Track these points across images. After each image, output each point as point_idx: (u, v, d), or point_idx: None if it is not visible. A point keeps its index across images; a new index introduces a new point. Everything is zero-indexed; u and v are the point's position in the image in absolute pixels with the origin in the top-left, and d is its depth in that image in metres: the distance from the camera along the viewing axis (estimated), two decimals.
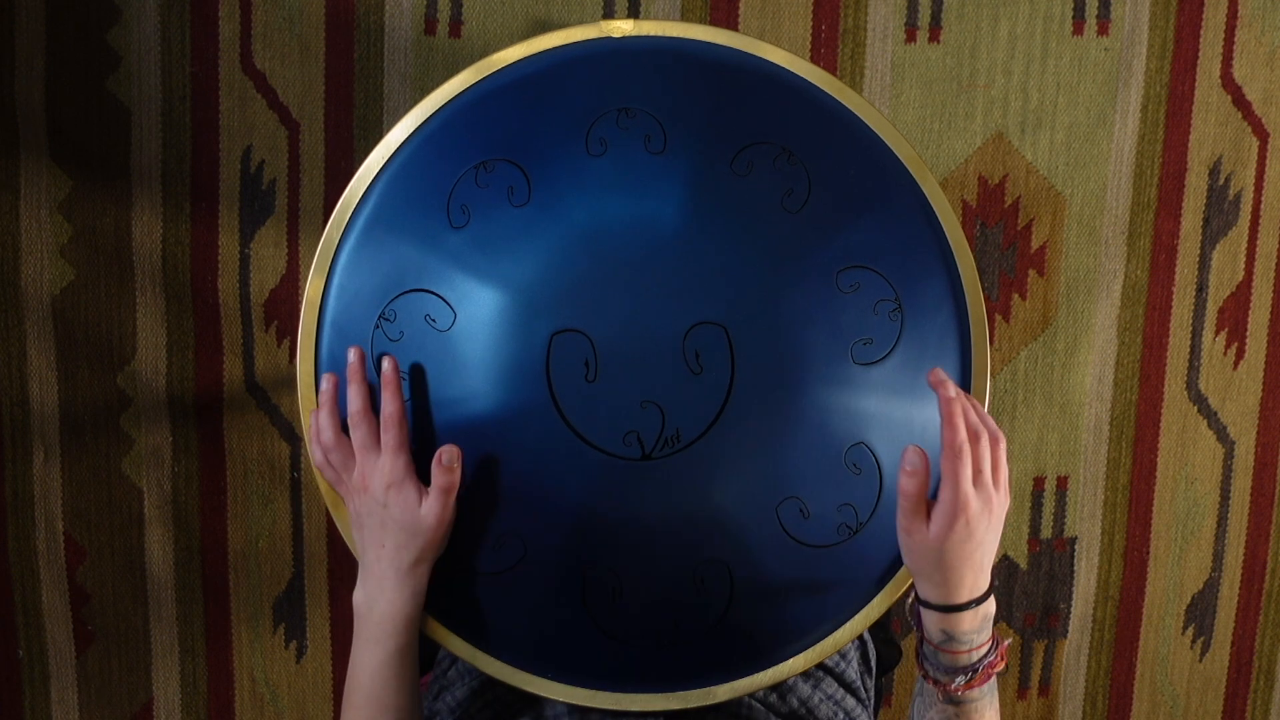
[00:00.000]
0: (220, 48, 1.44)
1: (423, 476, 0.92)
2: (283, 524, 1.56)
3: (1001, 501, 0.90)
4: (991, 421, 0.91)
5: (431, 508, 0.91)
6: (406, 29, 1.45)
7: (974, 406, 0.92)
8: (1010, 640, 0.99)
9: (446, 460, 0.91)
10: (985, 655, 0.91)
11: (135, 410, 1.51)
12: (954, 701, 0.92)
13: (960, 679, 0.91)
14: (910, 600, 0.97)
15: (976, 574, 0.89)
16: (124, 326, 1.49)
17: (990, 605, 0.91)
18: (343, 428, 0.94)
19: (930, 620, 0.91)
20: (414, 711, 0.95)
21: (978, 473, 0.88)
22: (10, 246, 1.45)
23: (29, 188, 1.45)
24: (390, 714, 0.94)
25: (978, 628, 0.91)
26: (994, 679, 0.93)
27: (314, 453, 0.94)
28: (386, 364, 0.93)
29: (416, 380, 0.94)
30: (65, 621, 1.55)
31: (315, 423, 0.94)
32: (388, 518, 0.91)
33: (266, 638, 1.59)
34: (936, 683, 0.92)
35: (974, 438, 0.88)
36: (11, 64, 1.41)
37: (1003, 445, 0.90)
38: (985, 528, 0.88)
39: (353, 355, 0.93)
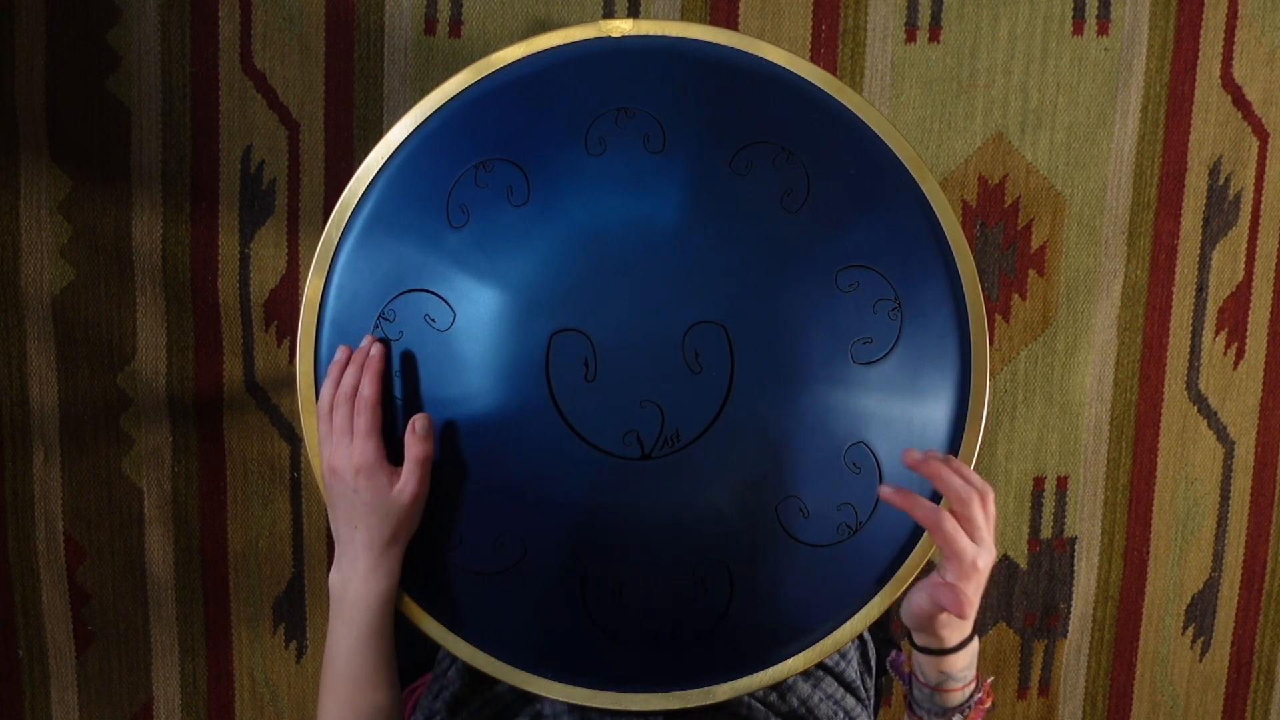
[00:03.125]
0: (220, 48, 1.44)
1: (395, 459, 0.93)
2: (283, 524, 1.56)
3: (993, 551, 0.92)
4: (976, 478, 0.90)
5: (406, 485, 0.91)
6: (406, 29, 1.45)
7: (957, 468, 0.91)
8: (993, 678, 1.02)
9: (421, 429, 0.92)
10: (974, 692, 0.95)
11: (135, 410, 1.51)
12: None
13: (957, 717, 0.94)
14: (891, 657, 1.01)
15: (971, 620, 0.93)
16: (124, 326, 1.49)
17: (976, 644, 0.95)
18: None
19: (927, 666, 0.94)
20: (391, 692, 0.95)
21: (975, 528, 0.88)
22: (10, 246, 1.46)
23: (29, 188, 1.45)
24: (366, 692, 0.94)
25: (969, 664, 0.94)
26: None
27: (320, 425, 0.95)
28: (374, 348, 0.93)
29: (408, 370, 0.94)
30: (65, 621, 1.55)
31: (323, 388, 0.95)
32: (358, 501, 0.92)
33: (266, 638, 1.59)
34: None
35: (970, 501, 0.88)
36: (11, 64, 1.41)
37: (990, 497, 0.90)
38: (979, 585, 0.90)
39: (364, 341, 0.94)
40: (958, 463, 0.92)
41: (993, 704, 0.97)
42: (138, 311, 1.49)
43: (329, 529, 1.56)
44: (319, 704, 0.96)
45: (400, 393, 0.94)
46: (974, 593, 0.89)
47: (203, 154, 1.46)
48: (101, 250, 1.47)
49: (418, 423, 0.92)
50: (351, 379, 0.93)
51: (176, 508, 1.54)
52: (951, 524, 0.87)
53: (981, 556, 0.89)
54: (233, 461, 1.54)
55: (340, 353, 0.94)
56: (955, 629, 0.92)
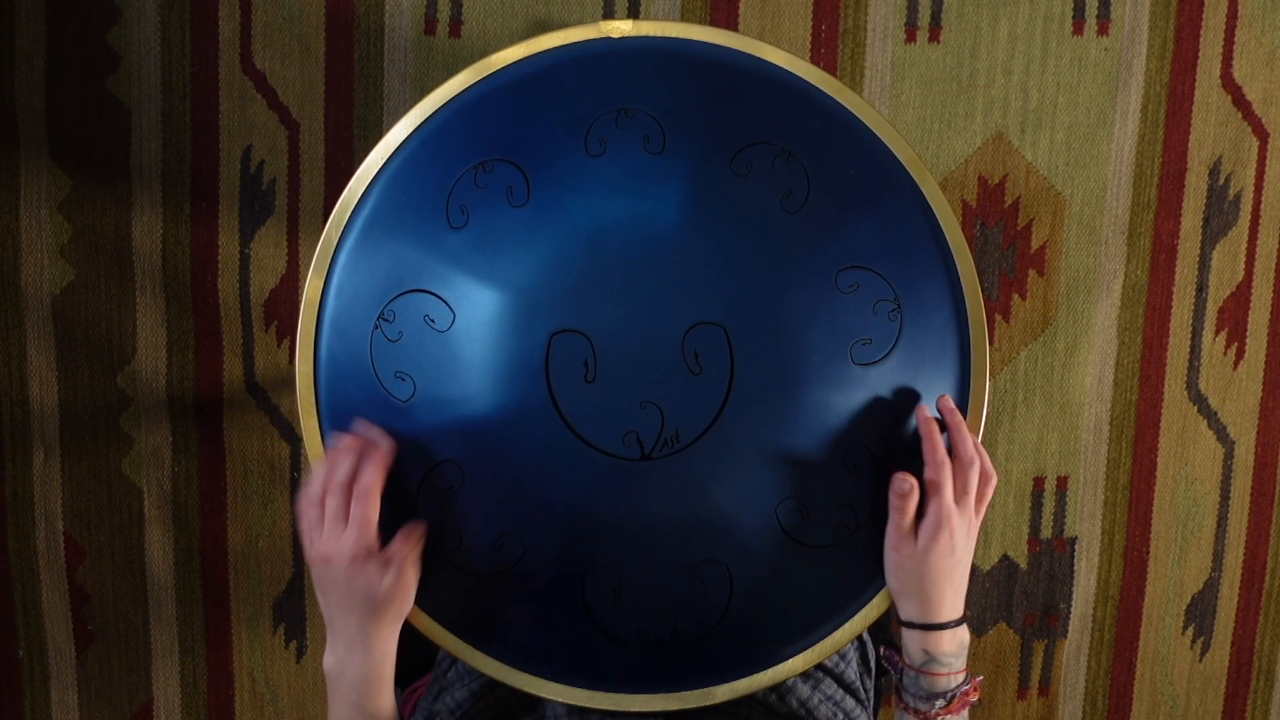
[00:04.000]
0: (220, 48, 1.44)
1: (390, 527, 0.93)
2: (283, 524, 1.56)
3: (978, 523, 0.95)
4: (987, 459, 0.95)
5: (390, 581, 0.91)
6: (406, 29, 1.45)
7: (972, 440, 0.95)
8: (983, 676, 1.04)
9: (414, 537, 0.92)
10: (961, 684, 0.95)
11: (135, 410, 1.51)
12: None
13: (940, 703, 0.94)
14: (884, 653, 1.01)
15: (955, 593, 0.94)
16: (124, 326, 1.49)
17: (965, 633, 0.96)
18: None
19: (912, 642, 0.95)
20: None
21: (963, 493, 0.93)
22: (10, 246, 1.46)
23: (29, 188, 1.45)
24: None
25: (956, 651, 0.95)
26: (965, 713, 0.97)
27: (300, 499, 0.94)
28: (385, 442, 0.93)
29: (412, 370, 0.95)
30: (65, 621, 1.55)
31: (313, 473, 0.93)
32: (352, 591, 0.91)
33: (266, 638, 1.59)
34: (916, 711, 0.96)
35: (965, 464, 0.93)
36: (11, 64, 1.41)
37: (992, 483, 0.95)
38: (965, 547, 0.94)
39: (357, 426, 0.94)
40: (973, 436, 0.96)
41: (979, 700, 0.98)
42: (138, 311, 1.49)
43: None
44: None
45: (401, 395, 0.94)
46: (965, 558, 0.94)
47: (203, 154, 1.46)
48: (101, 250, 1.47)
49: (413, 532, 0.92)
50: (347, 468, 0.91)
51: (176, 508, 1.54)
52: (949, 474, 0.93)
53: (975, 525, 0.94)
54: (233, 461, 1.54)
55: (340, 440, 0.93)
56: (923, 603, 0.93)
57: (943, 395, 0.96)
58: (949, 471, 0.93)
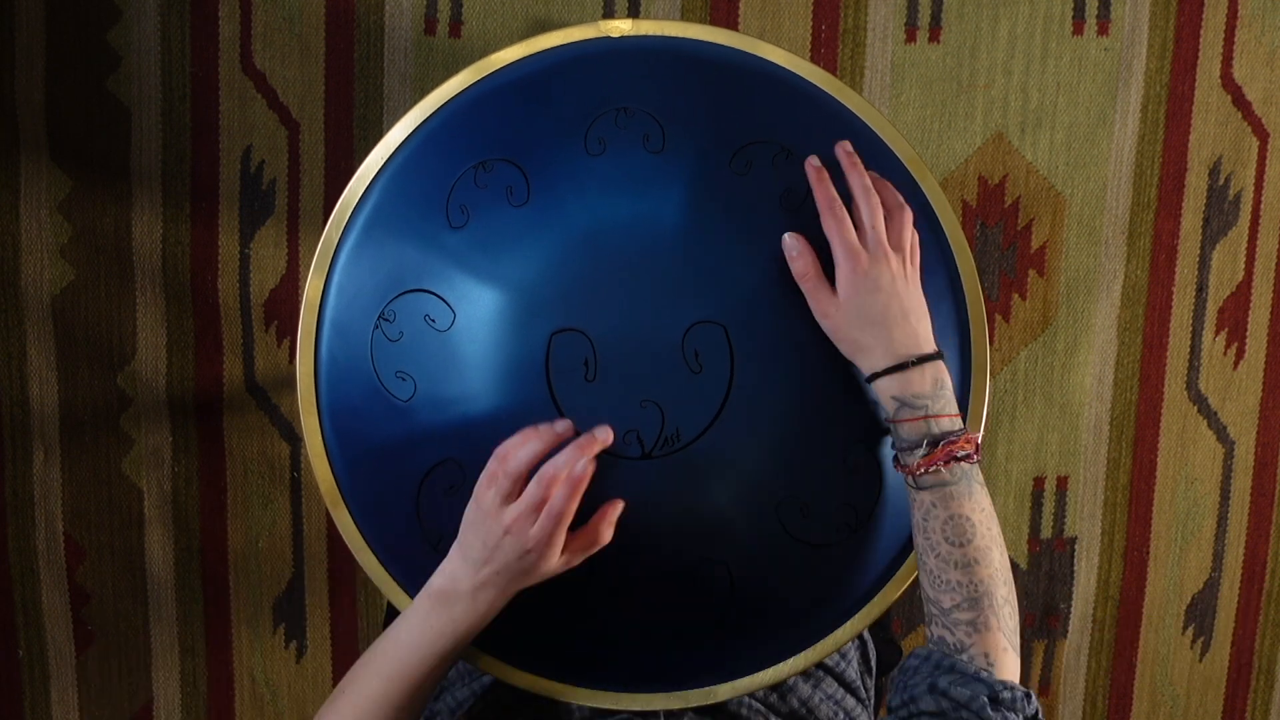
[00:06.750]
0: (220, 48, 1.44)
1: None
2: (283, 524, 1.56)
3: (904, 260, 0.92)
4: (896, 194, 0.94)
5: (563, 564, 0.90)
6: (406, 29, 1.45)
7: (873, 177, 0.94)
8: (981, 433, 0.97)
9: (608, 536, 0.91)
10: (948, 431, 0.89)
11: (135, 410, 1.51)
12: (924, 487, 0.89)
13: (920, 452, 0.89)
14: (894, 457, 0.94)
15: (907, 332, 0.90)
16: (124, 326, 1.49)
17: (943, 372, 0.91)
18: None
19: (882, 391, 0.90)
20: (421, 710, 0.94)
21: (861, 228, 0.91)
22: (10, 246, 1.46)
23: (29, 188, 1.45)
24: (410, 699, 0.91)
25: (929, 391, 0.90)
26: (971, 471, 0.89)
27: (504, 446, 0.89)
28: (589, 466, 0.89)
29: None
30: (65, 621, 1.55)
31: (529, 436, 0.89)
32: (522, 565, 0.88)
33: (266, 638, 1.59)
34: (904, 467, 0.90)
35: (861, 197, 0.92)
36: (11, 64, 1.41)
37: (907, 214, 0.93)
38: (890, 280, 0.90)
39: (601, 433, 0.91)
40: (879, 177, 0.95)
41: (978, 458, 0.90)
42: (138, 311, 1.49)
43: (330, 529, 1.56)
44: (353, 679, 0.93)
45: (402, 394, 0.94)
46: (898, 291, 0.90)
47: (203, 154, 1.46)
48: (101, 250, 1.47)
49: (611, 512, 0.91)
50: (566, 462, 0.88)
51: (176, 508, 1.54)
52: (841, 214, 0.91)
53: (893, 258, 0.91)
54: (233, 461, 1.54)
55: (563, 426, 0.90)
56: (873, 350, 0.90)
57: (840, 141, 0.95)
58: (839, 212, 0.91)
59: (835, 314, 0.91)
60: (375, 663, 0.92)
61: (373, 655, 0.93)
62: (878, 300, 0.90)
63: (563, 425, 0.90)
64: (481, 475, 0.89)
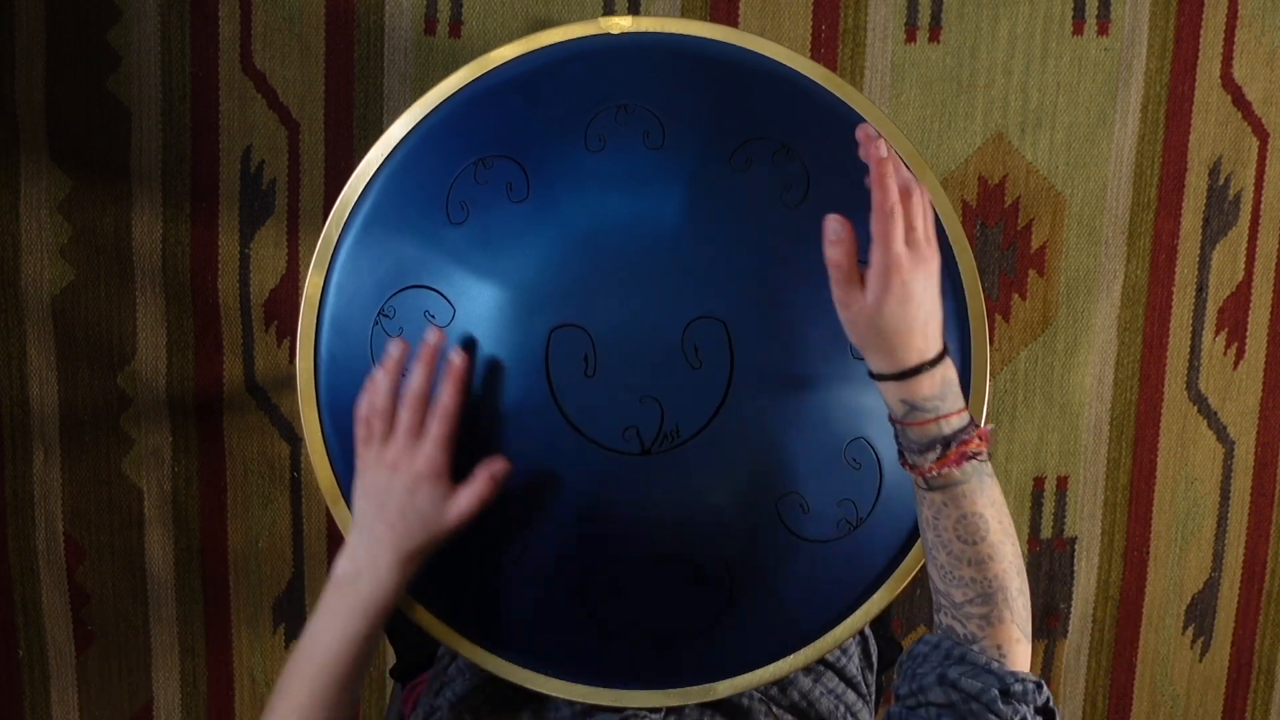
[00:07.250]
0: (220, 48, 1.44)
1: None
2: (283, 524, 1.56)
3: (934, 256, 0.86)
4: (914, 176, 0.88)
5: (460, 508, 0.89)
6: (406, 29, 1.46)
7: (900, 161, 0.88)
8: (993, 426, 0.93)
9: (499, 475, 0.90)
10: (959, 430, 0.86)
11: (135, 410, 1.51)
12: (935, 487, 0.86)
13: (932, 455, 0.85)
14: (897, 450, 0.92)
15: (923, 336, 0.85)
16: (124, 326, 1.49)
17: (949, 369, 0.87)
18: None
19: (889, 394, 0.87)
20: (354, 704, 0.93)
21: (910, 230, 0.84)
22: (10, 246, 1.46)
23: (29, 188, 1.45)
24: (339, 692, 0.90)
25: (938, 393, 0.86)
26: (981, 466, 0.86)
27: (360, 405, 0.91)
28: (457, 356, 0.90)
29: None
30: (65, 621, 1.55)
31: (374, 381, 0.90)
32: (410, 505, 0.89)
33: (266, 638, 1.59)
34: (914, 468, 0.87)
35: (905, 194, 0.84)
36: (11, 64, 1.41)
37: (928, 196, 0.87)
38: (923, 286, 0.84)
39: (433, 336, 0.90)
40: (899, 156, 0.88)
41: (988, 452, 0.86)
42: (138, 311, 1.49)
43: (330, 528, 1.56)
44: (280, 689, 0.91)
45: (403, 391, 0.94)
46: (926, 296, 0.84)
47: (203, 154, 1.46)
48: (101, 250, 1.47)
49: (498, 468, 0.90)
50: (420, 380, 0.89)
51: (176, 508, 1.54)
52: (899, 221, 0.83)
53: (929, 255, 0.85)
54: (233, 461, 1.54)
55: (395, 347, 0.90)
56: (888, 354, 0.85)
57: (862, 125, 0.87)
58: (899, 217, 0.83)
59: (857, 310, 0.85)
60: (297, 667, 0.91)
61: (294, 660, 0.92)
62: (907, 310, 0.84)
63: (395, 346, 0.90)
64: (355, 443, 0.91)
